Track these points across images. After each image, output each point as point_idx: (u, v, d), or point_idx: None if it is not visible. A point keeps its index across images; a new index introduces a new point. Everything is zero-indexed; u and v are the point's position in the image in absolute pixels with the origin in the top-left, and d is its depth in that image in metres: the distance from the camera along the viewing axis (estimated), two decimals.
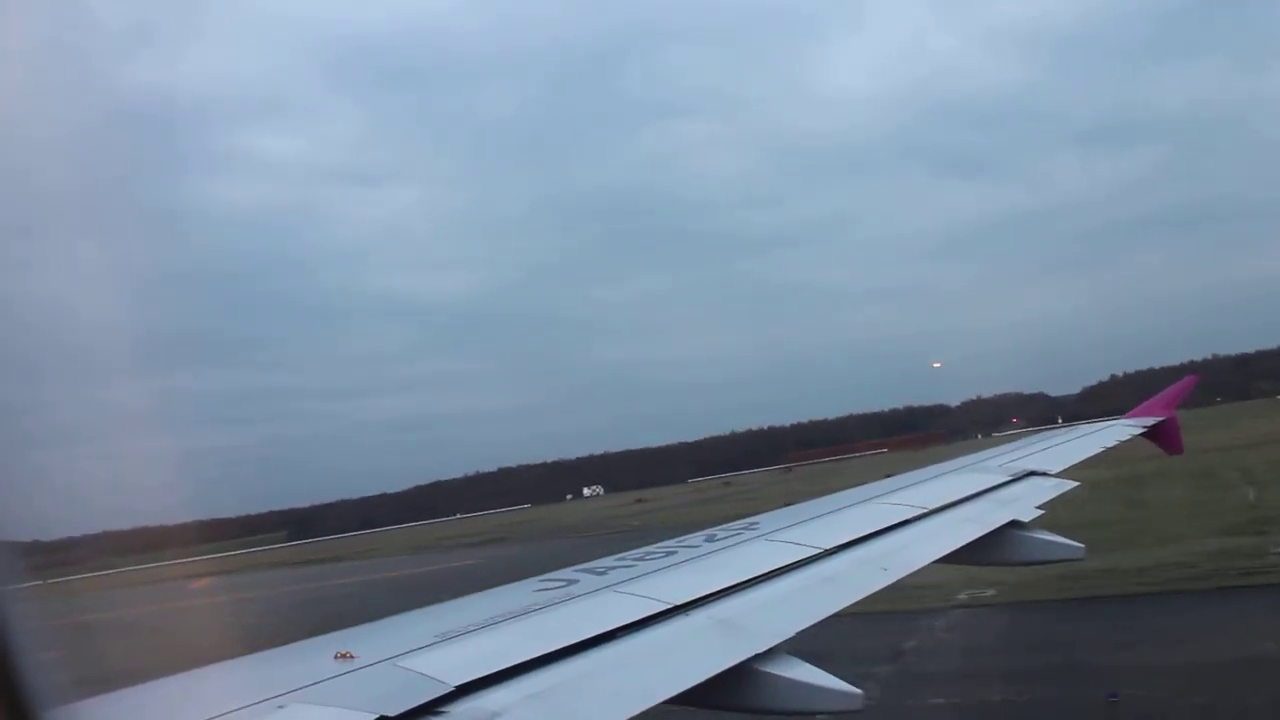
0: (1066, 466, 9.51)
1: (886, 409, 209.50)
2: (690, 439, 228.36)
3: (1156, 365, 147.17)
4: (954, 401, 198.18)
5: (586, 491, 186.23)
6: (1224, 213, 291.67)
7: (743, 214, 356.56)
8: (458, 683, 3.46)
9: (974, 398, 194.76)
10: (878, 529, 6.49)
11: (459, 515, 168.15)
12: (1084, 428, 13.72)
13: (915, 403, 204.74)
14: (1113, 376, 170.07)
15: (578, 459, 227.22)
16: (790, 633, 4.46)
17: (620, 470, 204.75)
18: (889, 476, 9.55)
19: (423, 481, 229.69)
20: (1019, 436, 15.45)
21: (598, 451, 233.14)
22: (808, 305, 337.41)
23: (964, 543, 6.63)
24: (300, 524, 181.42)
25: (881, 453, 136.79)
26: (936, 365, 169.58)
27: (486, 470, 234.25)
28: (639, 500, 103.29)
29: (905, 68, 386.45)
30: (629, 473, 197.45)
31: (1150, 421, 12.91)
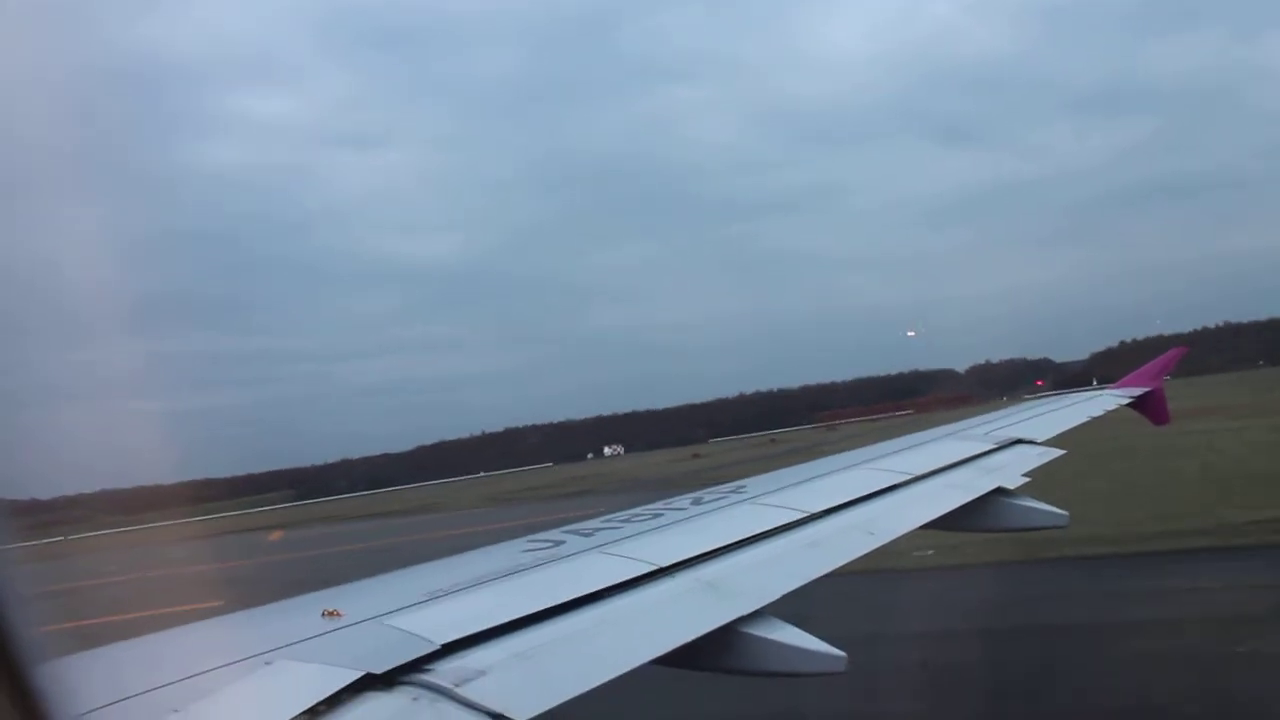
0: (1053, 435, 9.57)
1: (894, 373, 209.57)
2: (698, 401, 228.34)
3: (1166, 332, 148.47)
4: (961, 367, 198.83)
5: (607, 451, 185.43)
6: (1225, 180, 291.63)
7: (739, 179, 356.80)
8: (444, 641, 3.48)
9: (982, 362, 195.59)
10: (864, 494, 6.53)
11: (483, 474, 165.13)
12: (1072, 396, 13.79)
13: (922, 367, 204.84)
14: (1121, 343, 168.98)
15: (585, 420, 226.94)
16: (776, 595, 4.49)
17: (630, 431, 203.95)
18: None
19: (427, 442, 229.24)
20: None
21: (604, 413, 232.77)
22: (807, 271, 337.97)
23: (950, 509, 6.67)
24: (305, 483, 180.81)
25: (908, 414, 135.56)
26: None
27: (493, 431, 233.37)
28: (695, 455, 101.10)
29: (901, 32, 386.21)
30: (639, 433, 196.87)
31: (1137, 392, 13.02)
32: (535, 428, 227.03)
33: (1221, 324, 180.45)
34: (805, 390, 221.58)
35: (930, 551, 20.13)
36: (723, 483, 7.15)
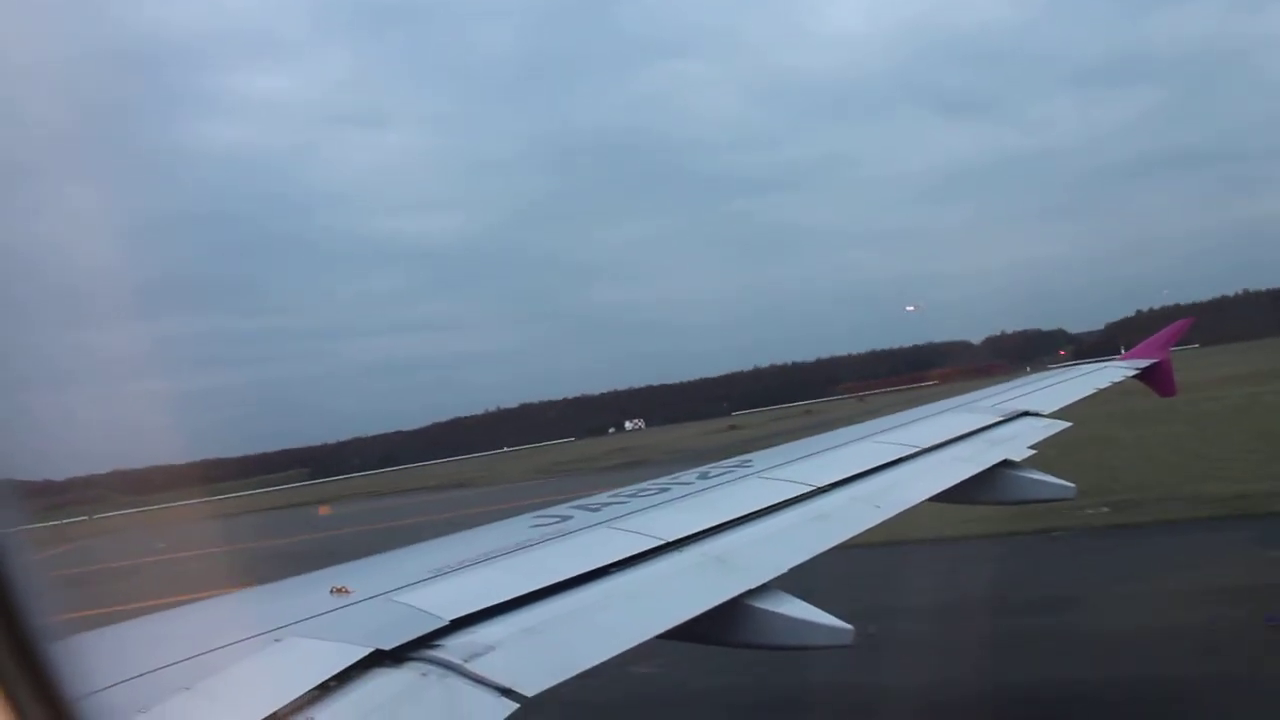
0: (1059, 407, 9.56)
1: (908, 345, 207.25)
2: (712, 375, 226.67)
3: (1184, 301, 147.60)
4: (974, 339, 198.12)
5: (628, 425, 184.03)
6: (1231, 149, 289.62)
7: (741, 154, 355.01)
8: (452, 617, 3.49)
9: (997, 333, 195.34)
10: (871, 467, 6.52)
11: (506, 449, 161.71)
12: (1079, 368, 13.75)
13: (935, 339, 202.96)
14: (1139, 311, 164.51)
15: (601, 395, 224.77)
16: (783, 569, 4.50)
17: (646, 405, 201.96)
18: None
19: (441, 419, 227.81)
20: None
21: (618, 388, 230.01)
22: (812, 245, 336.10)
23: (956, 481, 6.67)
24: (318, 462, 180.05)
25: (934, 384, 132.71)
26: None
27: (507, 406, 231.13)
28: (732, 427, 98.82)
29: (902, 5, 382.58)
30: (656, 408, 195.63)
31: (1144, 363, 12.98)
32: (550, 403, 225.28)
33: (1240, 292, 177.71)
34: (820, 364, 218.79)
35: (1105, 509, 19.81)
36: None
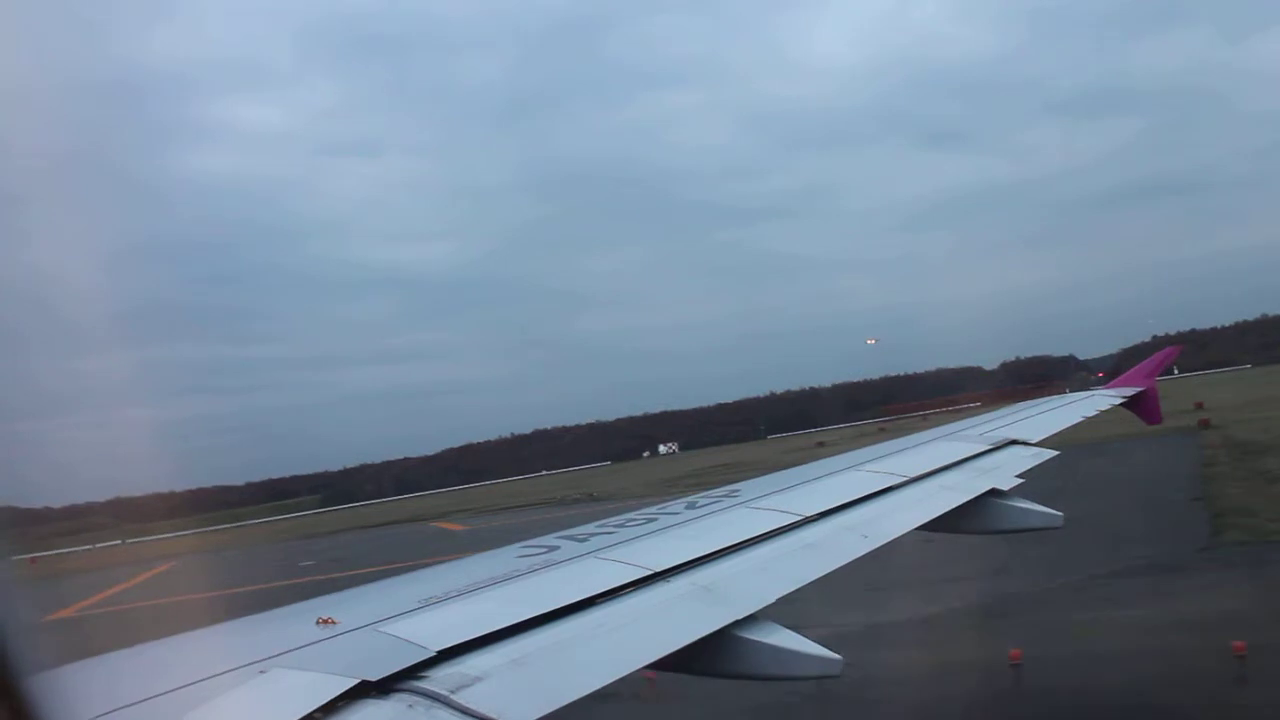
0: (1046, 436, 9.58)
1: (921, 371, 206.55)
2: (728, 401, 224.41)
3: (1201, 326, 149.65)
4: (990, 364, 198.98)
5: (662, 449, 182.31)
6: (1214, 180, 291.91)
7: (730, 184, 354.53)
8: (439, 648, 3.48)
9: (1011, 359, 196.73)
10: (859, 496, 6.53)
11: (544, 472, 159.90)
12: (1066, 396, 13.81)
13: (948, 365, 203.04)
14: (1154, 337, 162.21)
15: (618, 420, 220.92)
16: (771, 599, 4.49)
17: (662, 430, 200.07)
18: None
19: (453, 444, 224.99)
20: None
21: (634, 413, 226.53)
22: (804, 274, 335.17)
23: (944, 511, 6.68)
24: (328, 488, 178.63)
25: (977, 405, 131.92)
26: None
27: (521, 433, 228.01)
28: (820, 444, 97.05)
29: (886, 36, 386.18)
30: (673, 432, 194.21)
31: (1130, 392, 13.05)
32: (565, 428, 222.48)
33: (1259, 316, 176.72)
34: (837, 388, 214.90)
35: None
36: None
